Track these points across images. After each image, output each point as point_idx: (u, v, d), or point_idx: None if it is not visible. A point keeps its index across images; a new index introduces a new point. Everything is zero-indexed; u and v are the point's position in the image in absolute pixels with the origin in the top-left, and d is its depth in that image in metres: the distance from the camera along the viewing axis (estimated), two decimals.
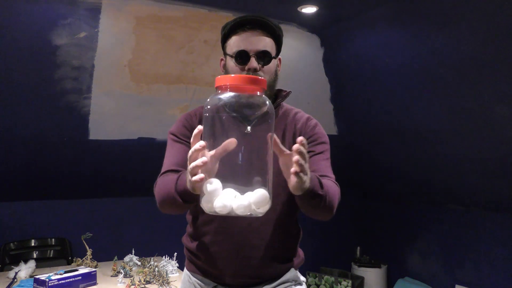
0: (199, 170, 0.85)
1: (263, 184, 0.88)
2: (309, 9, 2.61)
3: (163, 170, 1.21)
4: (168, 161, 1.23)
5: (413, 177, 3.36)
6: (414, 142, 3.05)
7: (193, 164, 0.85)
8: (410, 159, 3.22)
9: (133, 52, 2.54)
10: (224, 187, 0.87)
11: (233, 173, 0.89)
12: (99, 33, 2.38)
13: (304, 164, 0.89)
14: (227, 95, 0.86)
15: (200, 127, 0.87)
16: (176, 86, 2.78)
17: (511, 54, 2.15)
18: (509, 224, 2.97)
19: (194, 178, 0.84)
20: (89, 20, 2.33)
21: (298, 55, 3.02)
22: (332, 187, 1.14)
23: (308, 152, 1.22)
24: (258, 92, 0.88)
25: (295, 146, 0.87)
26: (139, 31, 2.49)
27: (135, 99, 2.72)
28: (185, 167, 1.14)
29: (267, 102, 0.88)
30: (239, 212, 0.85)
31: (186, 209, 1.16)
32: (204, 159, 0.84)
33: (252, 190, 0.86)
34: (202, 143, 0.85)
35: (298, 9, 2.60)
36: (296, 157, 0.87)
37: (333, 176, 1.24)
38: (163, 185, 1.14)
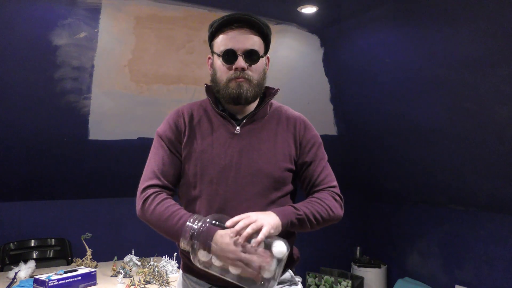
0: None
1: None
2: (309, 9, 2.61)
3: (147, 177, 1.26)
4: (151, 168, 1.27)
5: (413, 177, 3.36)
6: (414, 142, 3.05)
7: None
8: (410, 159, 3.21)
9: (133, 52, 2.54)
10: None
11: None
12: (99, 33, 2.38)
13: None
14: None
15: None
16: (176, 86, 2.78)
17: (511, 54, 2.15)
18: (509, 224, 2.97)
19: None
20: (89, 20, 2.33)
21: (298, 55, 3.02)
22: (320, 203, 1.19)
23: (311, 163, 1.26)
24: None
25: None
26: (139, 31, 2.49)
27: (135, 99, 2.72)
28: (168, 176, 1.22)
29: None
30: None
31: None
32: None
33: None
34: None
35: (298, 9, 2.60)
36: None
37: (335, 183, 1.27)
38: (165, 216, 1.21)
